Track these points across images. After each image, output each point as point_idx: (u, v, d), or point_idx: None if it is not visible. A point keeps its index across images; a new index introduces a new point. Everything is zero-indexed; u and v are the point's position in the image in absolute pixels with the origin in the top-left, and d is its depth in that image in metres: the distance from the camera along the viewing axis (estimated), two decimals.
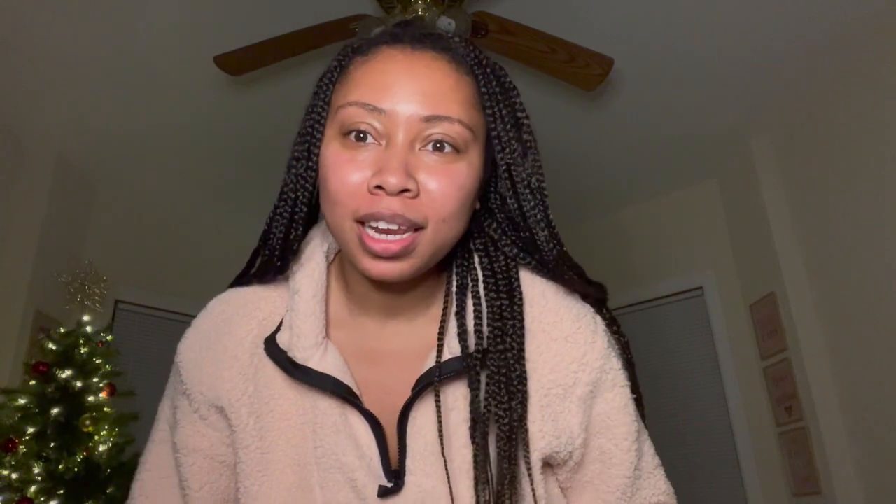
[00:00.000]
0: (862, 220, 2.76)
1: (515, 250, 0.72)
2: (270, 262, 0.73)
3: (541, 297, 0.72)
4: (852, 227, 2.82)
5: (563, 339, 0.70)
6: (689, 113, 3.12)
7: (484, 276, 0.72)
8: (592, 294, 0.74)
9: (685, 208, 3.82)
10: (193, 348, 0.75)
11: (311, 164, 0.69)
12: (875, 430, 2.72)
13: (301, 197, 0.70)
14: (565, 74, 2.31)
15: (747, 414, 3.38)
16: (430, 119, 0.63)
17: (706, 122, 3.20)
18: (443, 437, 0.65)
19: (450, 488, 0.65)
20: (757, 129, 3.26)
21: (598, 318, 0.73)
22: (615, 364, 0.72)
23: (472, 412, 0.66)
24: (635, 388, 0.76)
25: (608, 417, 0.71)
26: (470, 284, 0.72)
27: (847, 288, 2.86)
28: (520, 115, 0.72)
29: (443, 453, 0.65)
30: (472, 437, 0.66)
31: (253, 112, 2.98)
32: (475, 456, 0.65)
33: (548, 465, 0.72)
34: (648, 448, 0.76)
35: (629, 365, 0.76)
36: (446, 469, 0.65)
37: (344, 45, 0.72)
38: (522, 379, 0.67)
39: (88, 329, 2.66)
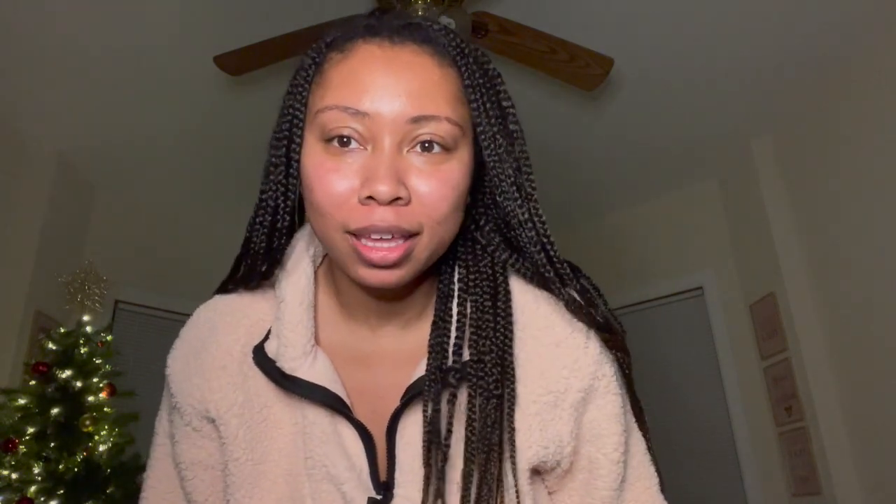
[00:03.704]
0: (862, 219, 2.76)
1: (504, 255, 0.68)
2: (254, 271, 0.70)
3: (532, 303, 0.69)
4: (852, 227, 2.81)
5: (554, 345, 0.67)
6: (689, 113, 3.12)
7: (470, 279, 0.68)
8: (581, 318, 0.68)
9: (685, 208, 3.82)
10: (181, 359, 0.73)
11: (291, 170, 0.65)
12: (875, 430, 2.72)
13: (282, 205, 0.66)
14: (565, 74, 2.31)
15: (747, 414, 3.38)
16: (417, 120, 0.59)
17: (706, 122, 3.20)
18: (429, 452, 0.63)
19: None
20: (757, 129, 3.26)
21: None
22: (608, 371, 0.69)
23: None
24: (635, 403, 0.73)
25: (598, 425, 0.68)
26: (456, 288, 0.69)
27: (847, 288, 2.85)
28: (505, 104, 0.67)
29: (426, 466, 0.63)
30: (467, 453, 0.63)
31: (253, 112, 2.97)
32: (464, 471, 0.62)
33: (536, 472, 0.69)
34: (644, 457, 0.72)
35: (627, 381, 0.72)
36: (426, 484, 0.62)
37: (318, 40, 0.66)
38: (503, 384, 0.63)
39: (88, 329, 2.65)
